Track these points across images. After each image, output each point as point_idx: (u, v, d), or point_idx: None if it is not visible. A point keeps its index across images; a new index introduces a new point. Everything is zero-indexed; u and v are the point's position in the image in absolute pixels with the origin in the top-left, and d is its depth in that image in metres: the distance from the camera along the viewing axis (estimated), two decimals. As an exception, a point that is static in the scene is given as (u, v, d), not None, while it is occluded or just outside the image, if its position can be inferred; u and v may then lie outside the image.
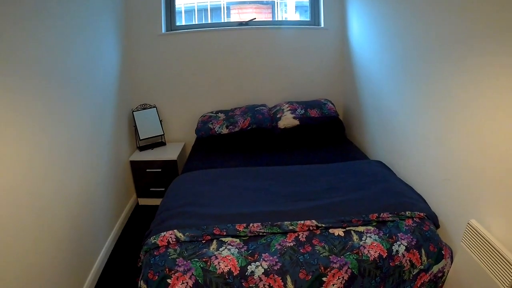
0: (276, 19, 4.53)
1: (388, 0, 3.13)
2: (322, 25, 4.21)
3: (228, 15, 4.51)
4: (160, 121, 4.13)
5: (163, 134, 4.16)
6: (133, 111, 3.94)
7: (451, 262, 2.16)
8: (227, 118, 3.82)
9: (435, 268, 2.13)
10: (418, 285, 2.12)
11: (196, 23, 4.45)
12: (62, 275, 2.30)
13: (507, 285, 1.72)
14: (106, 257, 3.06)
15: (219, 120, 3.80)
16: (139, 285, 1.94)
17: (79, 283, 2.54)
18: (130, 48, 3.95)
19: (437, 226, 2.44)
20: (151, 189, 3.83)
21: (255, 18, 4.26)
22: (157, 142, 4.15)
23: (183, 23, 4.35)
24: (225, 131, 3.70)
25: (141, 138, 3.95)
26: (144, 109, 4.05)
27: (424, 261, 2.12)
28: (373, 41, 3.51)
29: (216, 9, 4.53)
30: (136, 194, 3.98)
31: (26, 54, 2.00)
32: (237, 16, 4.53)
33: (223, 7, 4.46)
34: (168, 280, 1.85)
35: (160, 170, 3.78)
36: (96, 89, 3.05)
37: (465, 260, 2.04)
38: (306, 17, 4.39)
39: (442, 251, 2.17)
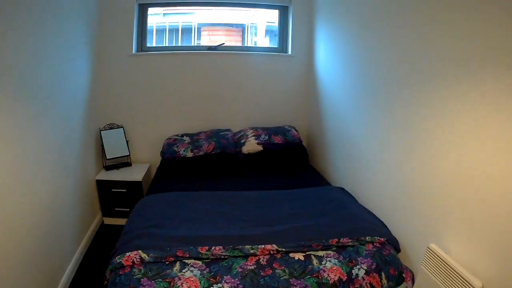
0: (246, 43, 4.77)
1: (351, 28, 3.36)
2: (290, 52, 4.47)
3: (199, 37, 4.71)
4: (127, 141, 4.27)
5: (129, 155, 4.30)
6: (100, 130, 4.07)
7: (412, 285, 2.30)
8: (192, 142, 3.98)
9: None
10: None
11: (167, 44, 4.64)
12: None
13: None
14: (73, 274, 3.14)
15: (184, 143, 3.96)
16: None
17: None
18: (101, 67, 4.06)
19: (398, 250, 2.58)
20: (116, 209, 3.95)
21: (224, 43, 4.48)
22: (123, 162, 4.27)
23: (154, 43, 4.53)
24: (190, 154, 3.87)
25: (107, 158, 4.08)
26: (112, 128, 4.18)
27: (384, 284, 2.26)
28: (337, 68, 3.72)
29: (187, 30, 4.72)
30: (101, 213, 4.08)
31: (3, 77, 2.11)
32: (207, 38, 4.74)
33: (194, 28, 4.66)
34: None
35: (125, 190, 3.90)
36: (65, 107, 3.14)
37: (426, 283, 2.16)
38: (276, 42, 4.64)
39: (403, 274, 2.31)
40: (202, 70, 4.35)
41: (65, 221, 3.10)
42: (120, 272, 2.15)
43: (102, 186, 3.95)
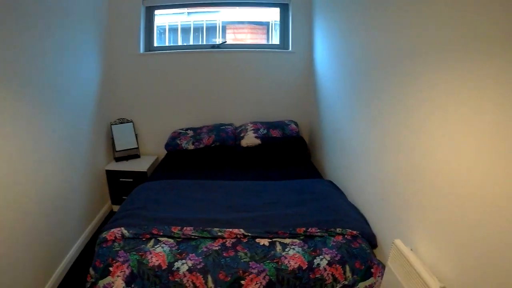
0: (271, 41, 5.08)
1: (342, 24, 3.55)
2: (290, 49, 4.77)
3: (224, 35, 5.06)
4: (136, 135, 4.71)
5: (138, 147, 4.73)
6: (111, 124, 4.52)
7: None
8: (194, 135, 4.35)
9: (361, 285, 2.35)
10: None
11: (191, 43, 5.07)
12: (32, 265, 2.73)
13: None
14: (77, 254, 3.53)
15: (186, 136, 4.34)
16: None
17: (48, 274, 3.01)
18: (111, 66, 4.50)
19: (374, 245, 2.67)
20: (123, 197, 4.34)
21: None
22: (132, 155, 4.70)
23: (179, 42, 5.04)
24: (191, 147, 4.24)
25: (116, 150, 4.52)
26: (122, 123, 4.63)
27: (348, 277, 2.34)
28: (332, 64, 3.92)
29: (212, 28, 5.08)
30: (110, 201, 4.53)
31: (14, 69, 2.49)
32: (232, 35, 5.09)
33: (219, 26, 5.01)
34: (110, 268, 2.36)
35: (132, 180, 4.31)
36: (77, 102, 3.57)
37: (391, 280, 2.17)
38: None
39: (372, 269, 2.39)
40: (207, 67, 4.71)
41: (73, 204, 3.50)
42: (103, 245, 2.54)
43: (111, 176, 4.38)
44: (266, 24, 5.14)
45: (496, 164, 1.48)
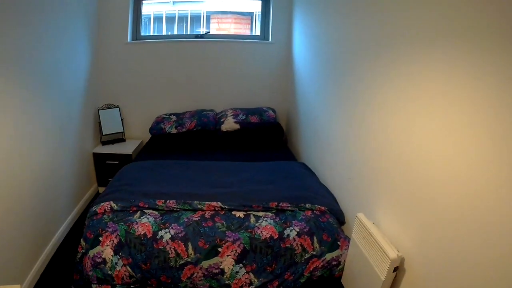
0: (254, 31, 5.31)
1: (316, 14, 3.81)
2: (270, 40, 5.05)
3: (208, 25, 5.26)
4: (122, 119, 4.96)
5: (123, 132, 4.99)
6: (98, 109, 4.76)
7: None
8: (177, 120, 4.63)
9: (328, 256, 2.62)
10: (311, 269, 2.61)
11: (176, 32, 5.27)
12: (25, 241, 2.92)
13: (384, 274, 1.99)
14: (66, 232, 3.74)
15: (170, 121, 4.62)
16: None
17: (39, 250, 3.19)
18: (99, 54, 4.73)
19: (342, 222, 2.94)
20: (109, 179, 4.43)
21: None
22: (118, 139, 4.96)
23: (164, 31, 5.23)
24: (174, 131, 4.52)
25: (104, 134, 4.78)
26: (109, 108, 4.87)
27: (316, 247, 2.61)
28: (308, 54, 4.19)
29: (197, 18, 5.27)
30: (97, 183, 4.78)
31: (7, 56, 2.62)
32: (216, 25, 5.31)
33: (203, 15, 5.22)
34: (100, 238, 2.62)
35: (117, 162, 4.56)
36: (66, 88, 3.74)
37: (355, 251, 2.37)
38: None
39: (338, 242, 2.65)
40: (191, 56, 4.99)
41: (62, 185, 3.72)
42: (94, 218, 2.81)
43: (98, 158, 4.63)
44: (250, 15, 5.33)
45: (454, 146, 1.61)
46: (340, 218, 2.94)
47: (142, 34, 5.06)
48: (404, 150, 2.05)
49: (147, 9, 5.10)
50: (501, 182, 1.34)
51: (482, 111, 1.44)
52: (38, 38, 3.12)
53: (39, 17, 3.13)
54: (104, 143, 4.85)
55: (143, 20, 5.05)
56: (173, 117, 4.72)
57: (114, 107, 4.93)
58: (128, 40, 4.85)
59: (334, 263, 2.63)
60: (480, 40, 1.45)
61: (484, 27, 1.42)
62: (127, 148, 4.75)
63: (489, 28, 1.40)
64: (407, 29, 2.01)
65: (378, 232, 2.15)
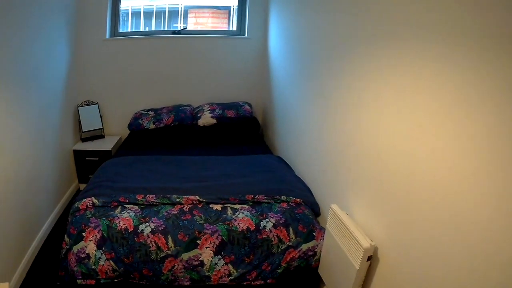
0: (231, 26, 5.37)
1: (292, 9, 3.88)
2: (247, 35, 5.15)
3: (186, 19, 5.32)
4: (101, 116, 5.02)
5: (102, 128, 5.05)
6: (78, 106, 4.82)
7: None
8: (155, 116, 4.71)
9: (305, 247, 2.70)
10: (288, 259, 2.70)
11: (154, 28, 5.33)
12: (8, 240, 2.93)
13: (358, 263, 2.03)
14: (49, 230, 3.79)
15: (148, 117, 4.70)
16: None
17: (24, 249, 3.24)
18: (78, 51, 4.76)
19: (317, 213, 3.02)
20: (89, 176, 4.50)
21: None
22: (97, 135, 5.02)
23: (142, 27, 5.30)
24: (152, 126, 4.61)
25: (83, 131, 4.84)
26: (88, 105, 4.93)
27: (292, 238, 2.71)
28: (283, 50, 4.27)
29: (174, 13, 5.31)
30: (78, 180, 4.84)
31: None
32: (194, 20, 5.36)
33: (181, 10, 5.26)
34: (83, 234, 2.71)
35: (97, 158, 4.63)
36: (44, 87, 3.77)
37: (330, 241, 2.40)
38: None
39: (314, 233, 2.74)
40: (168, 52, 5.06)
41: (43, 182, 3.77)
42: (77, 214, 2.90)
43: (78, 155, 4.69)
44: (228, 9, 5.39)
45: (424, 138, 1.65)
46: (315, 209, 3.03)
47: (121, 30, 5.11)
48: (374, 142, 2.12)
49: (125, 4, 5.13)
50: (467, 173, 1.40)
51: (447, 105, 1.51)
52: (14, 36, 3.13)
53: (15, 14, 3.14)
54: (84, 139, 4.91)
55: (121, 15, 5.10)
56: (151, 113, 4.80)
57: (93, 104, 4.98)
58: (107, 37, 4.90)
59: (310, 253, 2.72)
60: (450, 36, 1.50)
61: (452, 22, 1.49)
62: (107, 144, 4.82)
63: (456, 23, 1.47)
64: (379, 24, 2.07)
65: (351, 222, 2.20)
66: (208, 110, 4.77)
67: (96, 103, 5.02)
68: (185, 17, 5.32)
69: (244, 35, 5.20)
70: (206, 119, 4.66)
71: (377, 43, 2.08)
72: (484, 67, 1.32)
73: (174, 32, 5.12)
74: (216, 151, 4.34)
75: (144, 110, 4.94)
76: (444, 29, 1.53)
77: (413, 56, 1.73)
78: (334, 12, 2.74)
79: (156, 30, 5.32)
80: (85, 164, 4.71)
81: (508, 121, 1.22)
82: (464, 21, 1.42)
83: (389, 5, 1.96)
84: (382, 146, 2.03)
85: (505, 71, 1.23)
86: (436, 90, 1.58)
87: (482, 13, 1.33)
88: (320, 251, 2.69)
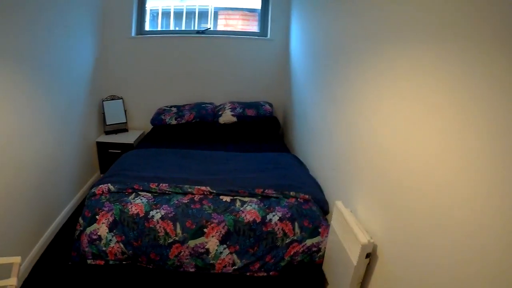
0: (261, 28, 5.44)
1: (312, 11, 3.93)
2: (269, 36, 5.24)
3: (215, 21, 5.45)
4: (125, 111, 5.19)
5: (126, 122, 5.22)
6: (103, 101, 5.01)
7: (329, 241, 2.64)
8: (177, 112, 4.83)
9: (309, 242, 2.74)
10: (291, 253, 2.73)
11: (184, 28, 5.47)
12: (28, 220, 3.10)
13: (356, 259, 2.03)
14: (67, 215, 3.96)
15: (170, 113, 4.83)
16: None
17: (41, 230, 3.40)
18: (104, 47, 4.96)
19: (326, 211, 2.99)
20: None
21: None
22: (121, 129, 5.19)
23: (171, 27, 5.45)
24: (173, 122, 4.73)
25: (107, 124, 5.02)
26: (113, 99, 5.11)
27: (297, 233, 2.75)
28: (303, 51, 4.31)
29: (204, 14, 5.43)
30: (99, 170, 5.01)
31: (15, 48, 2.82)
32: (224, 21, 5.50)
33: (210, 11, 5.39)
34: (97, 217, 2.85)
35: (120, 151, 4.78)
36: (71, 80, 3.96)
37: (334, 238, 2.42)
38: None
39: (319, 229, 2.76)
40: (192, 52, 5.19)
41: (66, 170, 3.95)
42: (92, 198, 3.03)
43: (101, 147, 4.87)
44: (257, 11, 5.45)
45: (426, 141, 1.62)
46: (324, 207, 3.02)
47: (150, 28, 5.28)
48: (383, 147, 2.08)
49: (155, 4, 5.30)
50: (469, 175, 1.35)
51: (463, 110, 1.40)
52: (47, 34, 3.34)
53: (48, 15, 3.35)
54: (107, 132, 5.08)
55: (151, 14, 5.26)
56: (174, 109, 4.92)
57: (118, 99, 5.16)
58: (132, 35, 5.06)
59: (314, 249, 2.75)
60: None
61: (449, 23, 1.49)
62: (129, 137, 4.97)
63: (454, 25, 1.45)
64: (396, 26, 1.98)
65: (353, 219, 2.21)
66: (229, 108, 4.85)
67: (121, 98, 5.19)
68: (215, 18, 5.44)
69: (266, 36, 5.29)
70: (227, 117, 4.75)
71: (402, 44, 1.95)
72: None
73: (198, 32, 5.25)
74: (235, 149, 4.38)
75: (167, 106, 5.06)
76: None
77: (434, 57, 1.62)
78: (351, 13, 2.72)
79: (180, 29, 5.46)
80: (108, 156, 4.86)
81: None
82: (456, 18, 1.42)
83: (408, 8, 1.86)
84: (391, 152, 1.98)
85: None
86: (451, 92, 1.49)
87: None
88: (325, 247, 2.72)
